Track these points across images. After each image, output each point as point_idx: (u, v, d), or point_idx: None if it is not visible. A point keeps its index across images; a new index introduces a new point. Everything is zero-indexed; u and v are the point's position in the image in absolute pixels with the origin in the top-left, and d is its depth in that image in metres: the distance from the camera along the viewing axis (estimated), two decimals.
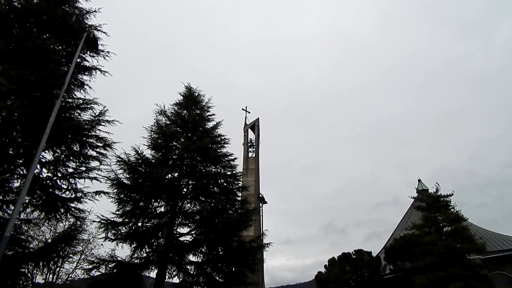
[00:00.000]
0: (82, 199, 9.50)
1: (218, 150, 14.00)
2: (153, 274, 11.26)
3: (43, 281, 18.28)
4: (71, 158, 9.22)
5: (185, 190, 13.13)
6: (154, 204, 12.48)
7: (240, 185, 14.22)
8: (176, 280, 11.83)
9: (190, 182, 13.42)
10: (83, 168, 9.49)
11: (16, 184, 8.85)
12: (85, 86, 10.34)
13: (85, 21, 10.18)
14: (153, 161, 12.83)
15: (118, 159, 11.85)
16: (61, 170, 9.34)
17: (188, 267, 11.76)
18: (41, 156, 8.08)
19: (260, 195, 21.12)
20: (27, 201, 8.75)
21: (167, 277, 11.39)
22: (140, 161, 12.43)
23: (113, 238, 11.27)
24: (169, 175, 12.98)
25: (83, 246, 19.19)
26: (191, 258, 11.97)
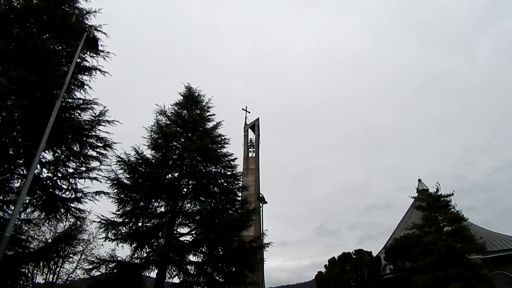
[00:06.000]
0: (82, 199, 9.51)
1: (218, 150, 14.00)
2: (153, 274, 11.28)
3: (43, 281, 18.28)
4: (71, 158, 9.23)
5: (185, 190, 13.13)
6: (154, 204, 12.49)
7: (240, 185, 14.22)
8: (176, 280, 11.86)
9: (190, 182, 13.42)
10: (83, 168, 9.51)
11: (17, 184, 8.87)
12: (85, 86, 10.35)
13: (85, 21, 10.17)
14: (153, 161, 12.83)
15: (118, 159, 11.85)
16: (61, 170, 9.35)
17: (188, 267, 11.76)
18: (41, 156, 8.08)
19: (260, 195, 21.11)
20: (27, 201, 8.76)
21: (167, 277, 11.39)
22: (140, 161, 12.43)
23: (113, 238, 11.28)
24: (169, 175, 12.99)
25: (83, 246, 19.17)
26: (191, 258, 11.99)
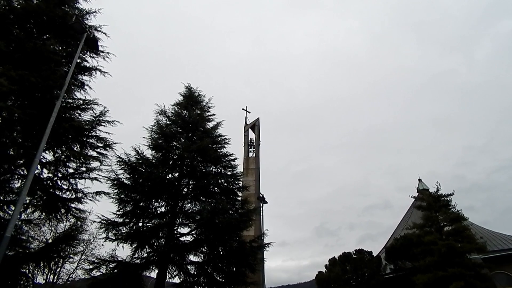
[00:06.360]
0: (82, 200, 9.51)
1: (219, 150, 13.99)
2: (153, 274, 11.29)
3: (44, 281, 18.28)
4: (72, 158, 9.23)
5: (185, 190, 13.14)
6: (155, 204, 12.49)
7: (240, 185, 14.22)
8: (176, 280, 11.85)
9: (190, 182, 13.42)
10: (84, 169, 9.51)
11: (17, 185, 8.87)
12: (85, 87, 10.36)
13: (85, 21, 10.18)
14: (153, 161, 12.83)
15: (118, 159, 11.85)
16: (62, 171, 9.35)
17: (189, 267, 11.76)
18: (41, 157, 8.09)
19: (261, 195, 21.11)
20: (27, 201, 8.76)
21: (167, 277, 11.39)
22: (140, 161, 12.43)
23: (113, 238, 11.28)
24: (170, 175, 12.98)
25: (84, 247, 19.16)
26: (192, 258, 11.99)
